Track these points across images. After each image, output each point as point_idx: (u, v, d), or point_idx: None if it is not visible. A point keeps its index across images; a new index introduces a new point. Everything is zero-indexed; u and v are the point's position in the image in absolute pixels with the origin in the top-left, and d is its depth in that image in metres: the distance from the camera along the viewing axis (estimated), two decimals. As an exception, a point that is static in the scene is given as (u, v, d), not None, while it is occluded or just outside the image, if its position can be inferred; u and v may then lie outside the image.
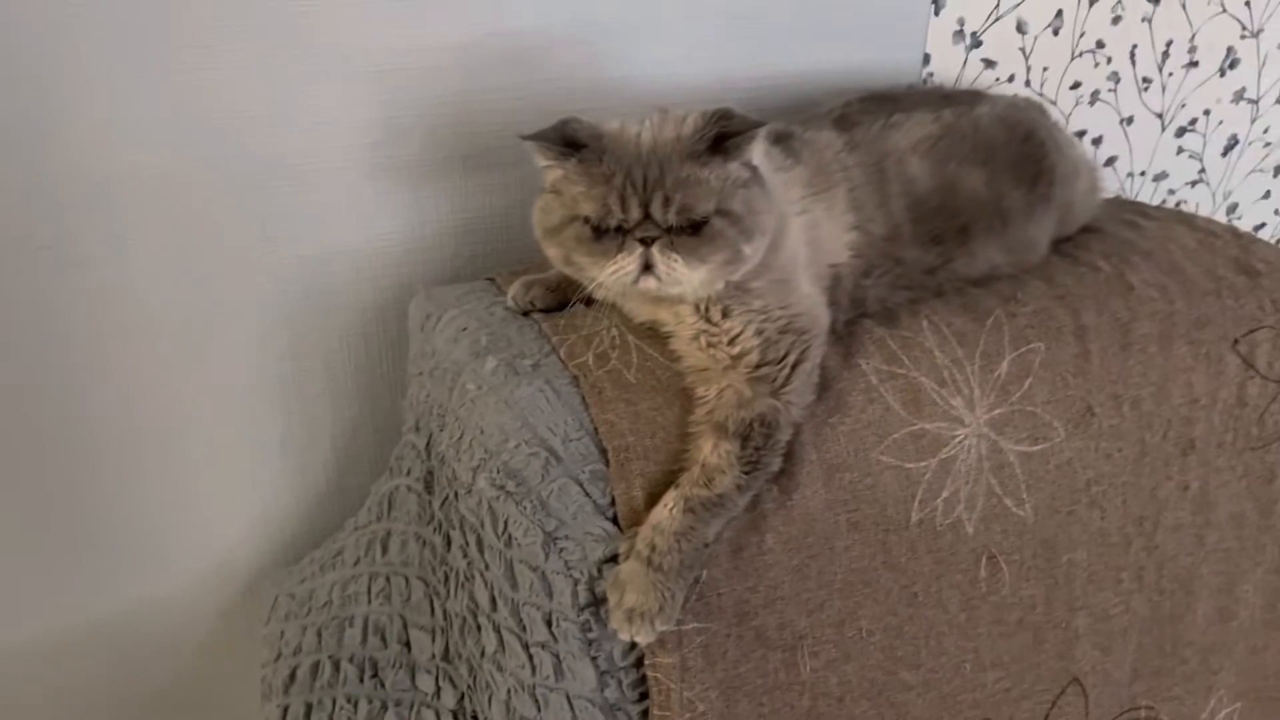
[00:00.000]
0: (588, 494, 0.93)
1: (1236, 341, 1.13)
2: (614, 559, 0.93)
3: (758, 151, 0.96)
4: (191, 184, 1.14)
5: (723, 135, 0.91)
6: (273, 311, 1.24)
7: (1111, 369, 1.08)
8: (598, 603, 0.94)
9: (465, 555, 1.02)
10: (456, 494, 1.01)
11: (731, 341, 0.96)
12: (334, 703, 1.15)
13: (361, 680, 1.14)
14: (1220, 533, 1.14)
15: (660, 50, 1.25)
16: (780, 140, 1.07)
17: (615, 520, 0.94)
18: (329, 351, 1.28)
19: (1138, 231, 1.25)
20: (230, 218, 1.17)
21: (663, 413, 0.96)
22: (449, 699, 1.11)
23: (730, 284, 0.95)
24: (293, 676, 1.19)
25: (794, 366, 0.96)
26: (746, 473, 0.92)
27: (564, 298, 1.06)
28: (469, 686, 1.09)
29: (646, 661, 0.95)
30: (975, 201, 1.11)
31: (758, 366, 0.95)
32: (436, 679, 1.12)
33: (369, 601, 1.18)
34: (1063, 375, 1.06)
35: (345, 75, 1.14)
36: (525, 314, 1.08)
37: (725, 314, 0.96)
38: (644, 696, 0.97)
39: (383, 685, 1.14)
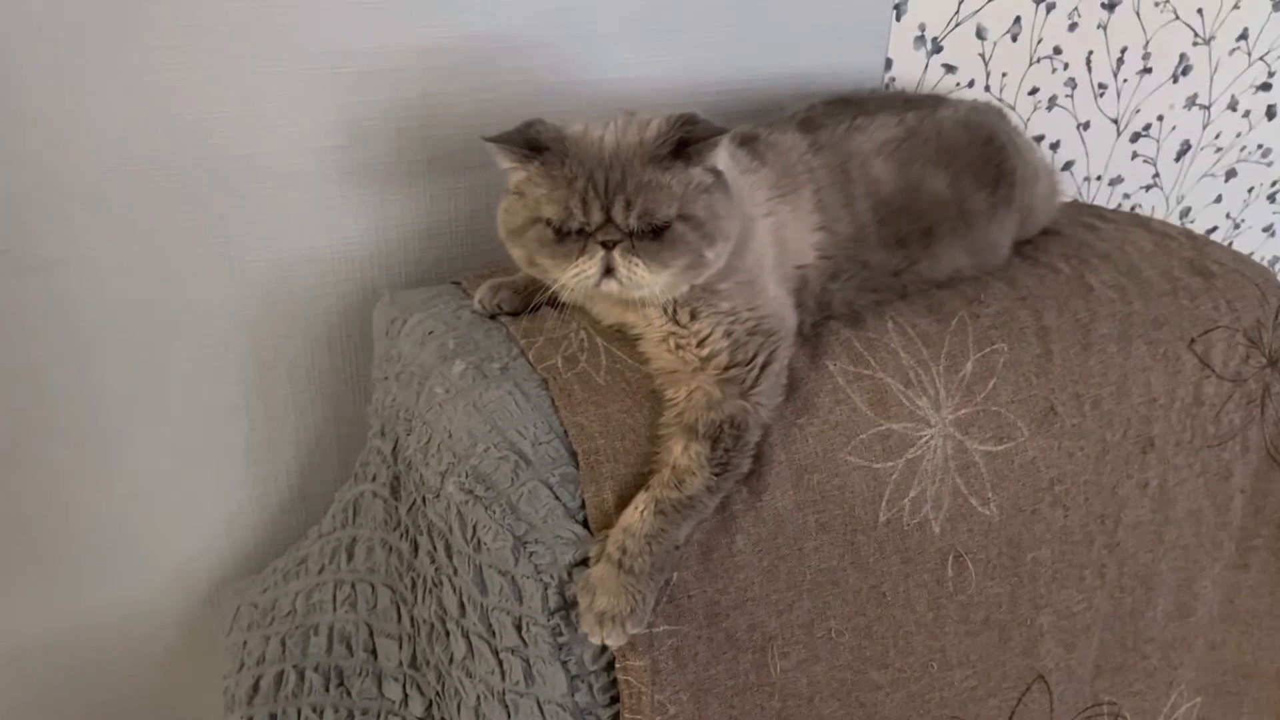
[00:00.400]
0: (558, 497, 0.93)
1: (1193, 341, 1.15)
2: (584, 562, 0.92)
3: (722, 156, 0.96)
4: (153, 187, 1.12)
5: (685, 141, 0.91)
6: (235, 316, 1.22)
7: (1073, 369, 1.09)
8: (568, 606, 0.93)
9: (433, 561, 1.01)
10: (424, 499, 1.00)
11: (700, 343, 0.96)
12: (299, 713, 1.13)
13: (327, 689, 1.13)
14: (1179, 529, 1.16)
15: (626, 54, 1.25)
16: (746, 143, 1.07)
17: (585, 523, 0.94)
18: (292, 356, 1.27)
19: (1096, 234, 1.27)
20: (192, 221, 1.15)
21: (632, 415, 0.96)
22: (416, 707, 1.10)
23: (698, 286, 0.96)
24: (256, 687, 1.17)
25: (763, 368, 0.96)
26: (717, 474, 0.92)
27: (531, 300, 1.06)
28: (437, 694, 1.08)
29: (617, 665, 0.94)
30: (939, 203, 1.12)
31: (727, 368, 0.95)
32: (404, 686, 1.10)
33: (334, 609, 1.16)
34: (1026, 375, 1.08)
35: (310, 78, 1.13)
36: (493, 317, 1.08)
37: (694, 316, 0.97)
38: (615, 700, 0.97)
39: (349, 694, 1.12)
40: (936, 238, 1.11)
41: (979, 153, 1.16)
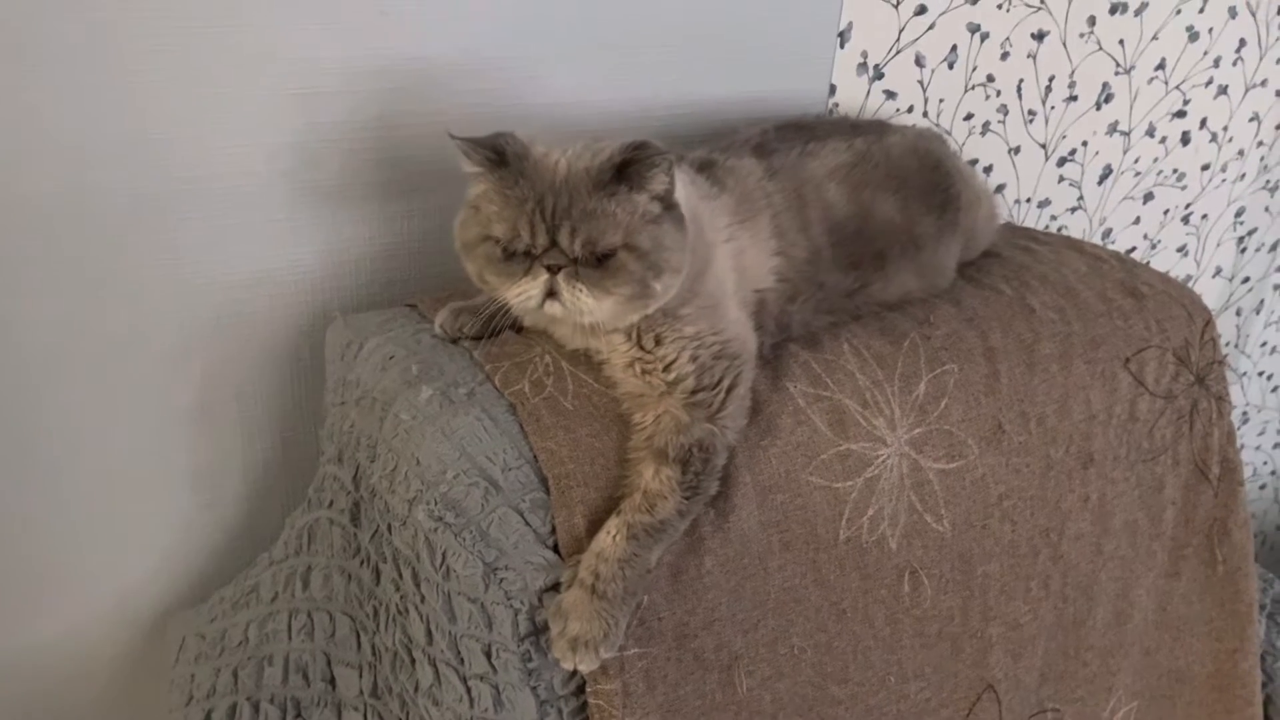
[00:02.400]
0: (528, 523, 0.93)
1: (1128, 360, 1.20)
2: (555, 588, 0.93)
3: (683, 182, 0.98)
4: (99, 207, 1.09)
5: (626, 163, 0.92)
6: (182, 339, 1.19)
7: (1019, 388, 1.14)
8: (538, 632, 0.93)
9: (398, 589, 1.00)
10: (390, 527, 0.99)
11: (666, 368, 0.97)
12: (255, 746, 1.11)
13: (284, 721, 1.11)
14: (1116, 540, 1.21)
15: (580, 78, 1.26)
16: (704, 169, 1.09)
17: (556, 548, 0.94)
18: (240, 381, 1.25)
19: (1033, 256, 1.32)
20: (139, 243, 1.12)
21: (601, 439, 0.97)
22: (378, 736, 1.08)
23: (661, 311, 0.97)
24: (208, 720, 1.15)
25: (729, 391, 0.97)
26: (687, 497, 0.93)
27: (493, 325, 1.06)
28: (400, 722, 1.07)
29: (588, 689, 0.94)
30: (890, 228, 1.15)
31: (694, 392, 0.96)
32: (365, 716, 1.09)
33: (289, 639, 1.14)
34: (975, 395, 1.11)
35: (262, 98, 1.11)
36: (454, 341, 1.07)
37: (659, 341, 0.98)
38: (584, 724, 0.97)
39: (307, 725, 1.10)
40: (888, 260, 1.15)
41: (926, 178, 1.20)
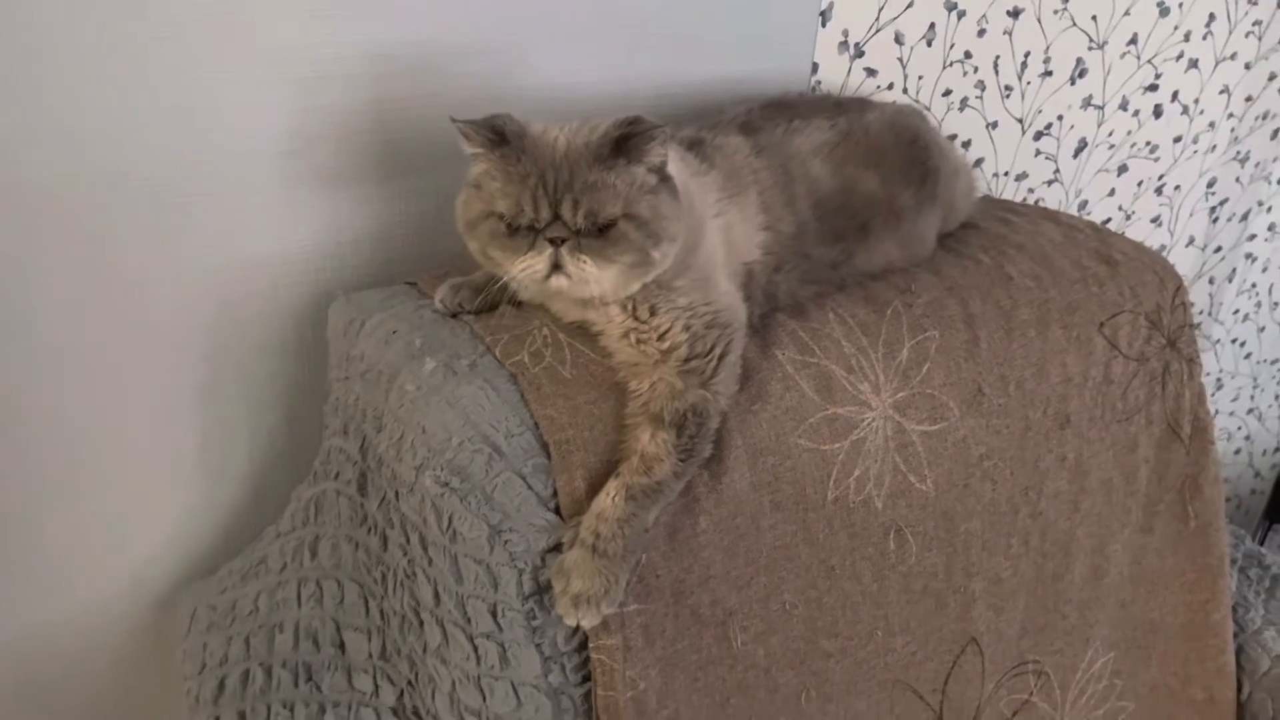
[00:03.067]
0: (530, 487, 0.97)
1: (1102, 325, 1.25)
2: (558, 548, 0.97)
3: (673, 158, 1.02)
4: (99, 194, 1.12)
5: (625, 137, 0.96)
6: (186, 323, 1.22)
7: (998, 352, 1.18)
8: (541, 591, 0.98)
9: (405, 554, 1.05)
10: (397, 494, 1.03)
11: (661, 337, 1.01)
12: (269, 709, 1.14)
13: (296, 685, 1.15)
14: (1093, 498, 1.26)
15: (569, 60, 1.29)
16: (694, 146, 1.13)
17: (558, 510, 0.98)
18: (245, 360, 1.28)
19: (1010, 227, 1.37)
20: (141, 228, 1.15)
21: (599, 406, 1.01)
22: (388, 696, 1.12)
23: (653, 284, 1.01)
24: (221, 686, 1.18)
25: (720, 358, 1.02)
26: (682, 460, 0.98)
27: (492, 299, 1.10)
28: (409, 683, 1.11)
29: (590, 644, 0.99)
30: (872, 201, 1.19)
31: (687, 360, 1.01)
32: (374, 678, 1.13)
33: (299, 606, 1.18)
34: (956, 360, 1.16)
35: (259, 82, 1.14)
36: (454, 315, 1.11)
37: (653, 312, 1.02)
38: (586, 679, 1.02)
39: (319, 688, 1.14)
40: (871, 232, 1.19)
41: (905, 153, 1.24)
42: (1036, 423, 1.21)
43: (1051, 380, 1.21)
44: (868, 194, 1.19)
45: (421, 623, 1.05)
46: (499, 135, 0.97)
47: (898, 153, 1.23)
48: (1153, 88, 1.75)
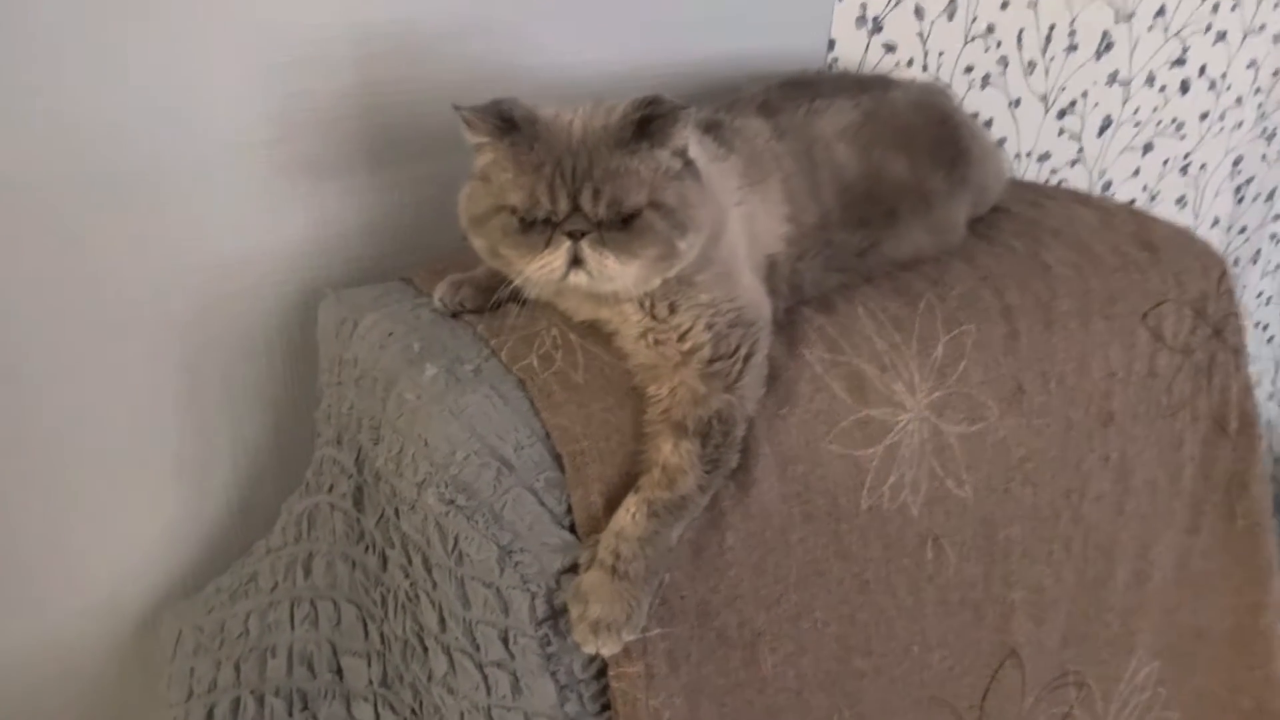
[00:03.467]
0: (543, 503, 0.89)
1: (1145, 315, 1.17)
2: (573, 569, 0.89)
3: (692, 142, 0.93)
4: (71, 188, 1.03)
5: (648, 119, 0.88)
6: (164, 324, 1.14)
7: (1038, 347, 1.10)
8: (556, 615, 0.90)
9: (407, 575, 0.96)
10: (397, 511, 0.95)
11: (681, 337, 0.93)
12: (261, 741, 1.07)
13: (290, 714, 1.07)
14: (1137, 499, 1.19)
15: (569, 38, 1.21)
16: (711, 129, 1.04)
17: (573, 529, 0.90)
18: (227, 364, 1.19)
19: (1042, 211, 1.29)
20: (116, 224, 1.07)
21: (615, 414, 0.93)
22: (390, 727, 1.05)
23: (673, 279, 0.93)
24: (210, 715, 1.11)
25: (746, 359, 0.94)
26: (708, 471, 0.90)
27: (496, 297, 1.01)
28: (412, 712, 1.03)
29: (610, 672, 0.91)
30: (900, 186, 1.11)
31: (710, 362, 0.92)
32: (375, 707, 1.05)
33: (293, 629, 1.10)
34: (994, 355, 1.08)
35: (239, 67, 1.06)
36: (455, 315, 1.03)
37: (673, 310, 0.93)
38: (605, 708, 0.94)
39: (315, 718, 1.07)
40: (899, 218, 1.11)
41: (935, 133, 1.16)
42: (1079, 421, 1.13)
43: (1094, 375, 1.13)
44: (896, 178, 1.11)
45: (426, 649, 0.97)
46: (507, 122, 0.88)
47: (927, 134, 1.15)
48: (1180, 62, 1.67)
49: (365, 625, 1.06)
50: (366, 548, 1.03)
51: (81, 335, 1.10)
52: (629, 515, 0.88)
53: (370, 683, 1.06)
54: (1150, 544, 1.22)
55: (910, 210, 1.12)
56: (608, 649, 0.87)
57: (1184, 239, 1.25)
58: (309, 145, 1.12)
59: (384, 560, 1.01)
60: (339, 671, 1.08)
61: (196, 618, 1.20)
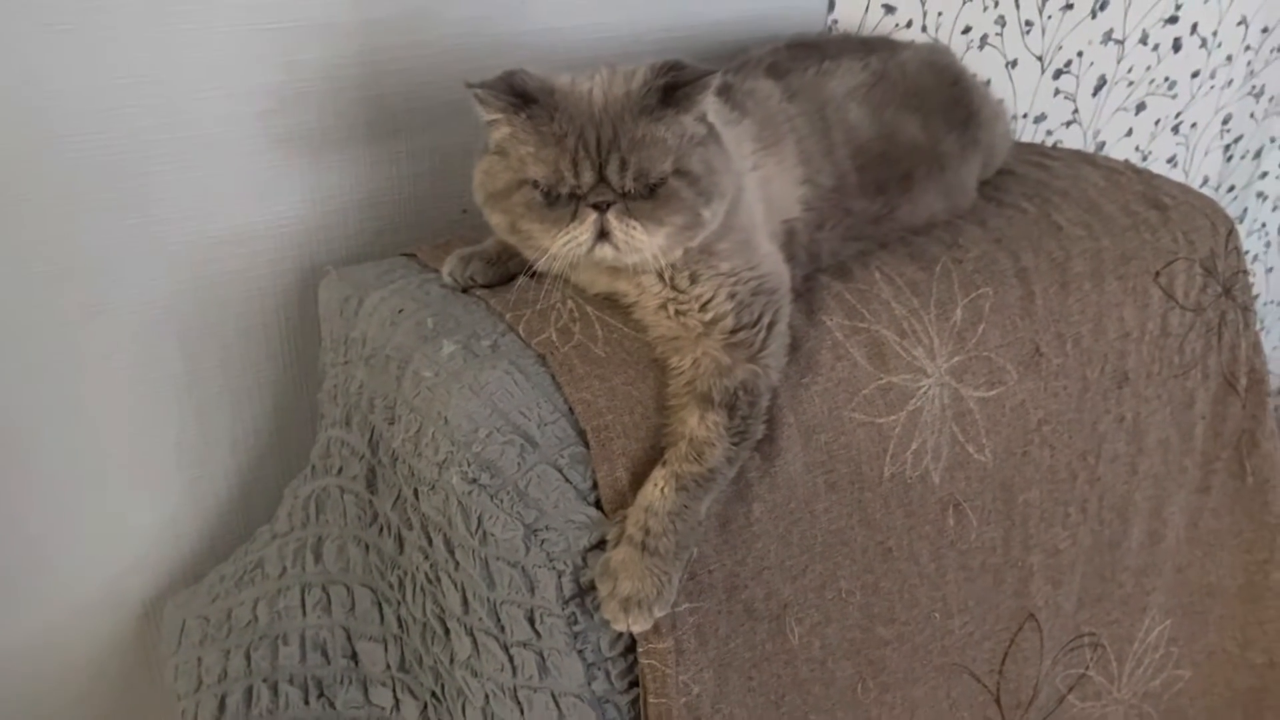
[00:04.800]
0: (568, 479, 0.87)
1: (1158, 274, 1.16)
2: (600, 546, 0.87)
3: (712, 107, 0.91)
4: (62, 161, 0.99)
5: (673, 85, 0.85)
6: (158, 305, 1.10)
7: (1054, 308, 1.09)
8: (583, 593, 0.88)
9: (427, 557, 0.94)
10: (416, 492, 0.92)
11: (703, 308, 0.91)
12: (277, 730, 1.05)
13: (307, 702, 1.05)
14: (1150, 459, 1.19)
15: (568, 2, 1.17)
16: (722, 92, 1.02)
17: (599, 504, 0.88)
18: (224, 345, 1.16)
19: (1048, 172, 1.27)
20: (108, 199, 1.03)
21: (637, 386, 0.91)
22: (410, 711, 1.03)
23: (695, 248, 0.90)
24: (222, 706, 1.08)
25: (769, 328, 0.92)
26: (735, 443, 0.88)
27: (506, 271, 0.99)
28: (433, 695, 1.01)
29: (639, 649, 0.90)
30: (915, 148, 1.09)
31: (734, 331, 0.90)
32: (394, 691, 1.03)
33: (304, 615, 1.07)
34: (1011, 318, 1.07)
35: (234, 34, 1.02)
36: (464, 290, 1.00)
37: (693, 279, 0.91)
38: (633, 685, 0.92)
39: (332, 705, 1.04)
40: (915, 182, 1.09)
41: (947, 94, 1.15)
42: (1095, 382, 1.12)
43: (1109, 336, 1.13)
44: (909, 140, 1.09)
45: (448, 631, 0.95)
46: (522, 96, 0.85)
47: (939, 95, 1.14)
48: (1173, 20, 1.66)
49: (381, 609, 1.04)
50: (381, 530, 1.01)
51: (70, 316, 1.07)
52: (657, 490, 0.86)
53: (388, 667, 1.04)
54: (1163, 503, 1.22)
55: (925, 173, 1.10)
56: (638, 626, 0.86)
57: (1192, 197, 1.24)
58: (306, 116, 1.09)
59: (400, 542, 0.98)
60: (354, 657, 1.05)
61: (200, 607, 1.17)
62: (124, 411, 1.14)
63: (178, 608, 1.20)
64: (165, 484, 1.20)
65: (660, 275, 0.91)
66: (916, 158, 1.09)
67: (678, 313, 0.91)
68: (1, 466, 1.10)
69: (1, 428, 1.08)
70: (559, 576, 0.87)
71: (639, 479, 0.88)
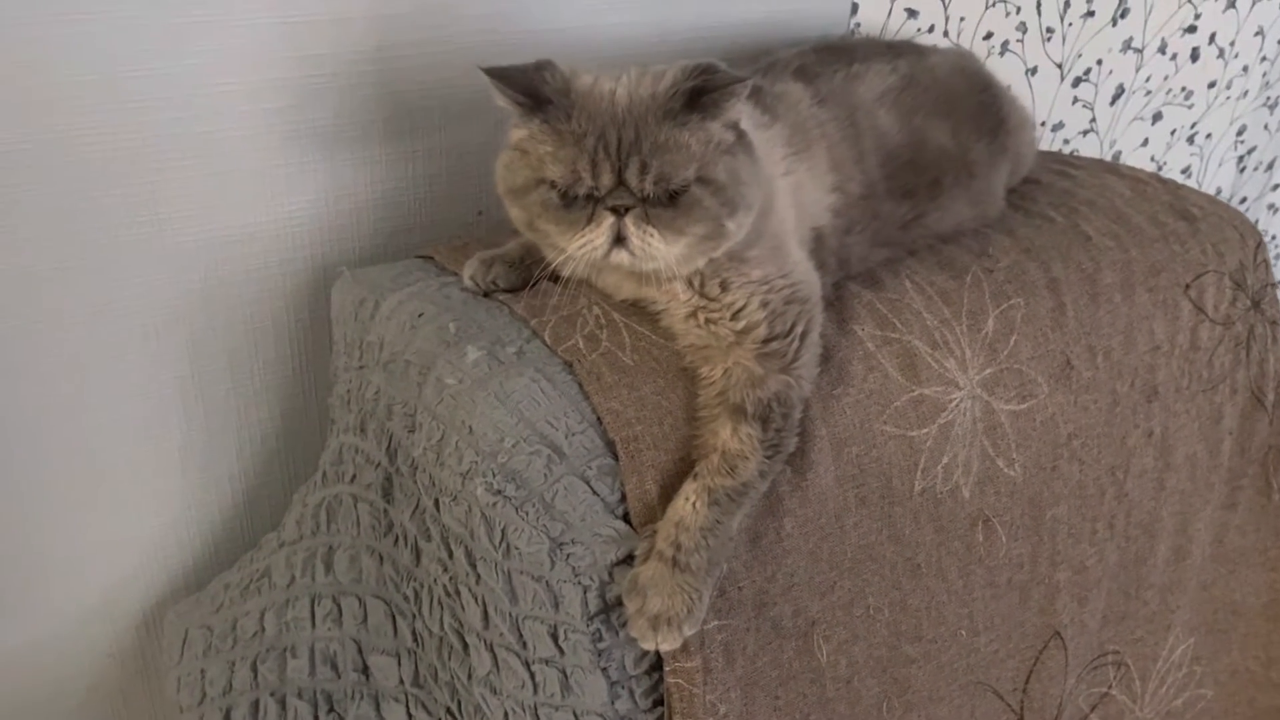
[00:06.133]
0: (595, 492, 0.84)
1: (1188, 287, 1.14)
2: (627, 560, 0.84)
3: (744, 114, 0.88)
4: (71, 156, 0.96)
5: (701, 90, 0.82)
6: (166, 305, 1.08)
7: (1084, 320, 1.07)
8: (609, 609, 0.85)
9: (446, 569, 0.91)
10: (437, 502, 0.89)
11: (734, 316, 0.88)
12: (285, 745, 1.01)
13: (316, 717, 1.01)
14: (1177, 475, 1.17)
15: (591, 1, 1.14)
16: (752, 95, 0.99)
17: (626, 518, 0.85)
18: (233, 348, 1.13)
19: (1073, 181, 1.25)
20: (117, 195, 1.00)
21: (667, 396, 0.88)
22: (424, 727, 1.00)
23: (725, 255, 0.88)
24: (227, 719, 1.05)
25: (802, 338, 0.89)
26: (769, 456, 0.85)
27: (529, 275, 0.96)
28: (448, 712, 0.98)
29: (666, 667, 0.87)
30: (944, 155, 1.07)
31: (766, 341, 0.88)
32: (407, 707, 1.00)
33: (313, 627, 1.04)
34: (1042, 330, 1.05)
35: (249, 29, 0.99)
36: (486, 295, 0.97)
37: (724, 287, 0.89)
38: (657, 704, 0.90)
39: (342, 720, 1.01)
40: (943, 189, 1.07)
41: (976, 101, 1.13)
42: (1124, 396, 1.10)
43: (1139, 349, 1.11)
44: (939, 147, 1.07)
45: (466, 646, 0.92)
46: (534, 98, 0.82)
47: (968, 101, 1.12)
48: (1191, 29, 1.65)
49: (395, 622, 1.00)
50: (396, 540, 0.98)
51: (76, 316, 1.04)
52: (689, 504, 0.83)
53: (401, 682, 1.00)
54: (1189, 520, 1.20)
55: (954, 180, 1.08)
56: (667, 645, 0.83)
57: (1219, 208, 1.22)
58: (321, 113, 1.06)
59: (417, 553, 0.95)
60: (365, 671, 1.02)
61: (204, 616, 1.14)
62: (129, 413, 1.11)
63: (180, 617, 1.16)
64: (169, 488, 1.17)
65: (690, 283, 0.89)
66: (945, 164, 1.07)
67: (708, 321, 0.89)
68: (1, 467, 1.07)
69: (3, 428, 1.05)
70: (584, 592, 0.84)
71: (668, 492, 0.85)
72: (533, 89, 0.83)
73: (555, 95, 0.83)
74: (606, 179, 0.81)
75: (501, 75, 0.83)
